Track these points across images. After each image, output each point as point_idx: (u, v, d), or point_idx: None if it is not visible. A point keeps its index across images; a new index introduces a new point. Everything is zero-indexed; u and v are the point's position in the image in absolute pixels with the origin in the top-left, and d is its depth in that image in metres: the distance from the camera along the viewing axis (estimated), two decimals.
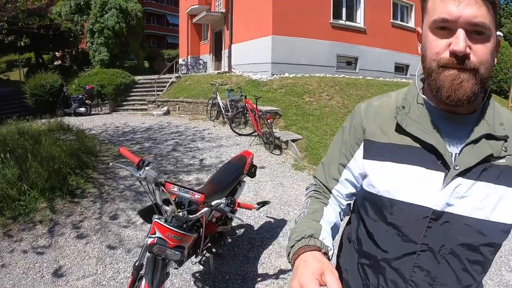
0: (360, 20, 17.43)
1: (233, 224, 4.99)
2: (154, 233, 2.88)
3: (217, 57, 23.65)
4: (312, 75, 14.72)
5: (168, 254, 2.89)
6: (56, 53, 30.85)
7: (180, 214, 2.98)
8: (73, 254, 4.78)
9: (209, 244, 3.93)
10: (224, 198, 3.09)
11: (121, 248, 4.80)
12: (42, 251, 4.90)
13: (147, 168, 2.98)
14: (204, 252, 3.92)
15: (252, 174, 4.69)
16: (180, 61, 26.56)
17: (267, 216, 5.51)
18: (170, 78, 20.25)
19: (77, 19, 25.82)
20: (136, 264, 3.03)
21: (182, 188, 3.03)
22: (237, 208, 3.27)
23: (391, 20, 18.55)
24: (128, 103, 19.78)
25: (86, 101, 18.21)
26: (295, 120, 10.56)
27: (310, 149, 8.68)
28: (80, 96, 18.25)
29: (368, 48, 17.44)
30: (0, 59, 31.40)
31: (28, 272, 4.45)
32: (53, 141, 8.60)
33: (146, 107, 18.15)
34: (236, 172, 4.28)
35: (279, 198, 6.22)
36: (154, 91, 19.19)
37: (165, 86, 19.44)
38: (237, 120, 11.71)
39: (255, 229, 5.18)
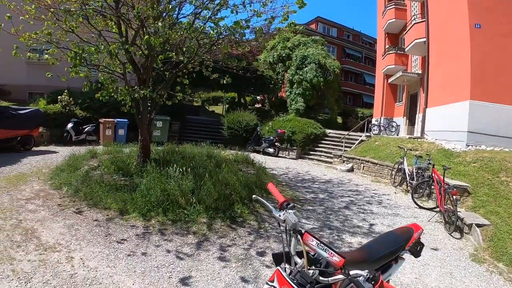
0: None
1: None
2: (272, 281, 2.63)
3: (411, 121, 22.56)
4: None
5: None
6: (258, 97, 33.19)
7: (310, 272, 2.65)
8: (207, 271, 5.03)
9: None
10: (366, 270, 2.57)
11: (253, 284, 4.72)
12: (182, 256, 5.40)
13: (290, 211, 2.76)
14: None
15: (416, 253, 3.99)
16: (373, 121, 26.14)
17: None
18: (360, 136, 20.15)
19: (279, 69, 27.74)
20: None
21: (322, 245, 2.63)
22: None
23: None
24: (315, 153, 20.16)
25: (276, 143, 19.35)
26: (485, 201, 9.02)
27: (496, 239, 7.08)
28: (271, 137, 19.54)
29: None
30: (209, 94, 35.53)
31: (161, 268, 4.94)
32: (233, 170, 9.24)
33: (331, 160, 18.22)
34: (396, 245, 3.69)
35: None
36: (342, 146, 19.27)
37: (353, 143, 19.36)
38: (421, 190, 10.69)
39: None
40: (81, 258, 4.88)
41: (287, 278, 2.58)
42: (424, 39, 18.59)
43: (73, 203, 7.00)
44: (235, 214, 7.35)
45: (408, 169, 11.90)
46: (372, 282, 2.47)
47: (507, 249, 6.59)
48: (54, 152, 12.88)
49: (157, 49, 7.92)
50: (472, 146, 13.45)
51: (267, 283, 2.68)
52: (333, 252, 2.59)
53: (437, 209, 9.06)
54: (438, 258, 6.42)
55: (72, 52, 7.10)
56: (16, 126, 12.17)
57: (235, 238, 6.37)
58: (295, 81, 25.08)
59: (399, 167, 12.56)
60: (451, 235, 7.75)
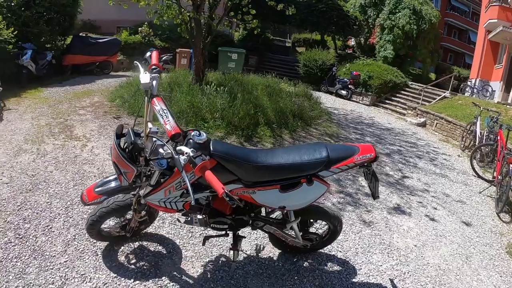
0: None
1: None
2: None
3: (508, 87, 19.29)
4: None
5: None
6: (351, 42, 30.63)
7: (153, 139, 2.42)
8: None
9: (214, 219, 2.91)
10: (192, 149, 2.22)
11: None
12: None
13: (150, 74, 2.54)
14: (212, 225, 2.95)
15: (372, 190, 2.81)
16: (469, 82, 22.92)
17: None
18: (444, 92, 17.96)
19: (370, 13, 25.23)
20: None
21: (164, 111, 2.40)
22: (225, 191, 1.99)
23: None
24: (390, 102, 18.50)
25: (350, 86, 17.93)
26: None
27: None
28: (346, 79, 18.11)
29: None
30: (299, 35, 34.72)
31: None
32: (287, 98, 9.61)
33: (404, 112, 16.49)
34: (305, 160, 2.59)
35: (448, 271, 3.88)
36: (420, 99, 17.39)
37: (434, 98, 17.38)
38: (488, 159, 8.46)
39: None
40: (92, 147, 5.87)
41: (114, 137, 2.60)
42: None
43: (117, 112, 7.92)
44: (254, 134, 7.47)
45: (480, 132, 9.67)
46: (191, 165, 2.15)
47: None
48: (130, 76, 13.14)
49: None
50: None
51: None
52: (170, 121, 2.33)
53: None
54: (462, 235, 4.89)
55: None
56: (95, 53, 13.57)
57: None
58: (386, 26, 22.61)
59: (471, 128, 10.33)
60: (498, 216, 5.89)
